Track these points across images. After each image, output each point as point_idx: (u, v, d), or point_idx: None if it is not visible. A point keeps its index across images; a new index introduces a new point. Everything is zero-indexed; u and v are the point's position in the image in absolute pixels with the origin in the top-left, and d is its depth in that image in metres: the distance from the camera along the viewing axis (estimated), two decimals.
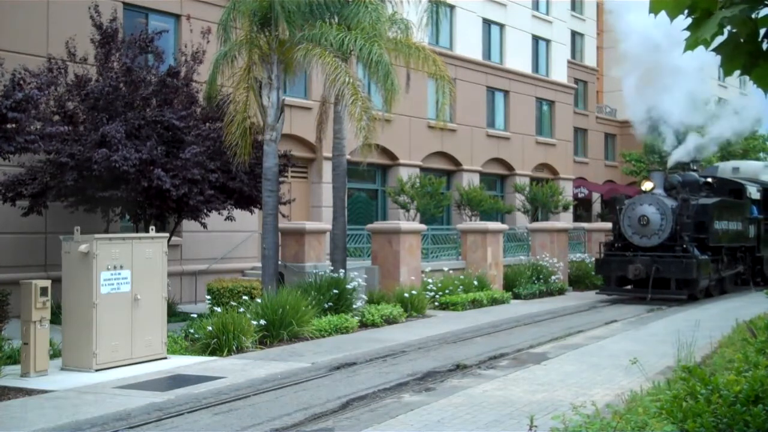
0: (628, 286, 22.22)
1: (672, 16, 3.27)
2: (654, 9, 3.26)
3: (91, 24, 15.67)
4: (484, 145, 32.08)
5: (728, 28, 3.27)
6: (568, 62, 39.40)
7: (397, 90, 15.94)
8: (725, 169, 29.30)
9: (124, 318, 11.34)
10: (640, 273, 21.02)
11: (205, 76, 16.78)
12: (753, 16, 3.25)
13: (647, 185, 22.45)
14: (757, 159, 38.83)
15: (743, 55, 3.35)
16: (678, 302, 20.76)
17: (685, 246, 21.19)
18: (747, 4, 3.17)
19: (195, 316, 14.29)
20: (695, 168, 27.22)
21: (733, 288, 24.58)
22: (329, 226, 18.38)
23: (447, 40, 30.85)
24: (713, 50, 3.44)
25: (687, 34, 3.37)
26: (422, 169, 28.56)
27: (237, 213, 17.67)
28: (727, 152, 38.04)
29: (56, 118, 14.99)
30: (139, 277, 11.55)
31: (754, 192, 26.38)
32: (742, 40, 3.32)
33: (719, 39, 3.34)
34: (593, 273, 24.39)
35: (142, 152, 14.10)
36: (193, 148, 14.78)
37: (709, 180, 25.26)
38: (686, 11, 3.28)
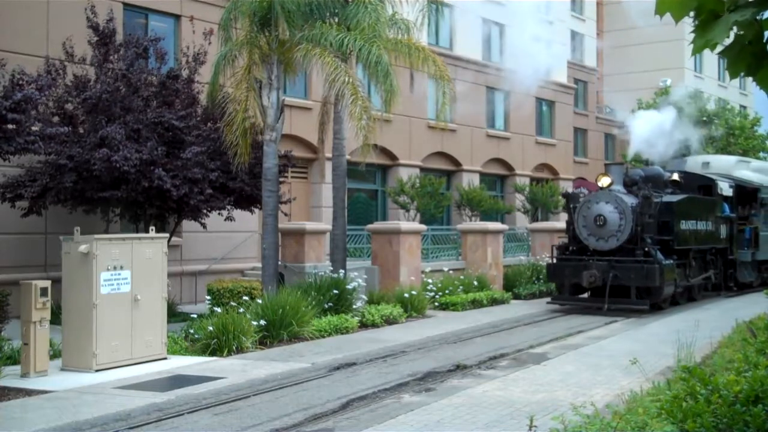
0: (585, 294, 20.05)
1: (677, 18, 3.27)
2: (659, 10, 3.26)
3: (87, 25, 15.61)
4: (484, 145, 32.08)
5: (734, 30, 3.28)
6: (568, 62, 39.42)
7: (396, 90, 15.94)
8: (694, 163, 26.88)
9: (124, 318, 11.34)
10: (595, 280, 18.59)
11: (206, 77, 16.79)
12: (758, 18, 3.26)
13: (604, 181, 19.58)
14: (758, 158, 38.54)
15: (748, 57, 3.35)
16: (638, 313, 18.45)
17: (647, 249, 18.70)
18: (757, 7, 3.17)
19: (195, 316, 14.28)
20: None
21: (703, 295, 22.25)
22: (329, 227, 18.38)
23: (447, 40, 30.87)
24: (719, 54, 3.44)
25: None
26: (422, 169, 28.56)
27: (237, 213, 17.67)
28: (727, 152, 38.03)
29: (56, 119, 14.99)
30: (139, 278, 11.54)
31: (726, 188, 23.92)
32: (747, 42, 3.32)
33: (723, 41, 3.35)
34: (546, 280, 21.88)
35: (142, 152, 14.11)
36: (194, 148, 14.80)
37: (676, 175, 22.61)
38: (692, 13, 3.28)
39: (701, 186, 23.14)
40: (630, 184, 20.06)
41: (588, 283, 18.79)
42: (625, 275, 18.45)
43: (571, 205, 20.17)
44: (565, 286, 19.96)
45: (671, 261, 19.27)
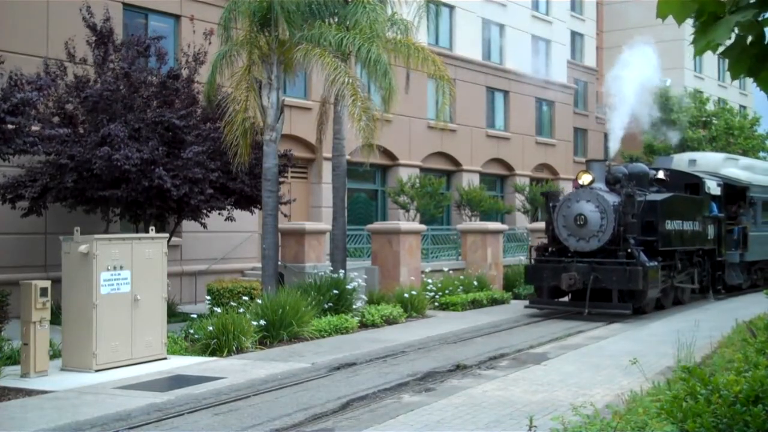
0: (566, 298, 18.84)
1: (679, 20, 3.28)
2: (661, 13, 3.27)
3: (84, 25, 15.59)
4: (484, 145, 32.09)
5: (735, 31, 3.28)
6: (568, 62, 39.43)
7: (395, 89, 15.96)
8: (681, 161, 25.72)
9: (124, 318, 11.34)
10: (575, 283, 17.52)
11: (206, 77, 16.78)
12: (759, 19, 3.26)
13: (585, 178, 18.32)
14: (757, 158, 38.46)
15: (750, 58, 3.35)
16: (620, 317, 17.52)
17: (630, 250, 17.66)
18: (758, 8, 3.17)
19: (195, 316, 14.28)
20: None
21: (690, 297, 21.14)
22: (329, 227, 18.38)
23: (447, 40, 30.87)
24: (720, 54, 3.44)
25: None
26: (422, 169, 28.56)
27: (237, 213, 17.67)
28: (727, 153, 38.00)
29: (56, 119, 14.98)
30: (139, 278, 11.54)
31: (713, 187, 22.78)
32: (748, 43, 3.32)
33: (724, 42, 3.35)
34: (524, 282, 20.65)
35: (143, 152, 14.11)
36: (194, 147, 14.81)
37: (661, 173, 21.46)
38: (694, 15, 3.28)
39: (688, 184, 22.15)
40: (613, 182, 18.94)
41: (567, 286, 17.75)
42: (606, 278, 17.50)
43: (551, 204, 19.10)
44: (543, 289, 18.92)
45: (656, 263, 18.26)
